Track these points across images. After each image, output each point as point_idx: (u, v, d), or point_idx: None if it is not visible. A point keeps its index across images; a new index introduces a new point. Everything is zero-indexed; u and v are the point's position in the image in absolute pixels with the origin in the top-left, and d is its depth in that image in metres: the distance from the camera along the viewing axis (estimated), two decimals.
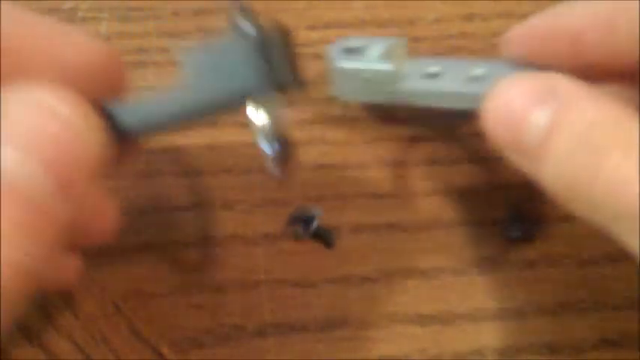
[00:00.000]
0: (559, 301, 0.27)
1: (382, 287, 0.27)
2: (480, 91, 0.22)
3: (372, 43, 0.28)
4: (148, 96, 0.22)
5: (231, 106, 0.22)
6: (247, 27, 0.21)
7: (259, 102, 0.21)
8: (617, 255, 0.27)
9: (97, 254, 0.25)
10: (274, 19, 0.22)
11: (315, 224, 0.28)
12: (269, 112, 0.21)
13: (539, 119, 0.20)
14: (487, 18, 0.32)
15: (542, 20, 0.25)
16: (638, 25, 0.22)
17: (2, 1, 0.20)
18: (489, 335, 0.26)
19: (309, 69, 0.31)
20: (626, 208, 0.18)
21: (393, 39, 0.28)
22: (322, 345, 0.26)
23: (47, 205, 0.17)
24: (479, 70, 0.26)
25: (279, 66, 0.21)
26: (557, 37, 0.24)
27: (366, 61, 0.27)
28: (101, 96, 0.21)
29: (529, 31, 0.25)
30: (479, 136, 0.23)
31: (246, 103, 0.21)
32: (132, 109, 0.22)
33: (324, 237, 0.28)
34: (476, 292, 0.27)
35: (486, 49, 0.31)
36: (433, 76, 0.26)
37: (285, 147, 0.22)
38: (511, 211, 0.28)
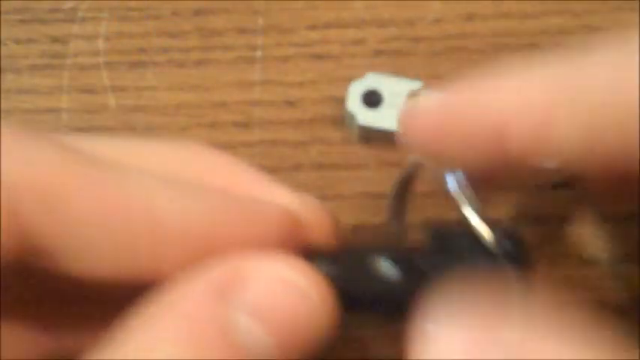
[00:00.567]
0: (559, 301, 0.27)
1: None
2: None
3: (390, 85, 0.29)
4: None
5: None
6: (514, 253, 0.19)
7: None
8: (618, 255, 0.27)
9: None
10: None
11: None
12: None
13: None
14: (487, 18, 0.32)
15: (458, 96, 0.19)
16: (583, 123, 0.17)
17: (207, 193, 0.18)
18: None
19: (309, 69, 0.31)
20: None
21: (409, 82, 0.29)
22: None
23: None
24: None
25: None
26: (476, 123, 0.18)
27: (388, 121, 0.28)
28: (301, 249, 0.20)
29: (439, 111, 0.19)
30: None
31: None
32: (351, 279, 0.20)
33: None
34: None
35: (486, 49, 0.31)
36: None
37: (519, 246, 0.20)
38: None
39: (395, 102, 0.29)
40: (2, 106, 0.31)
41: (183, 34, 0.32)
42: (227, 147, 0.30)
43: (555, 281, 0.27)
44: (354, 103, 0.29)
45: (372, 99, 0.29)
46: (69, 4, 0.33)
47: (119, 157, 0.18)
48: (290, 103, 0.31)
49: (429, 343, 0.16)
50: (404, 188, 0.23)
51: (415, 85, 0.29)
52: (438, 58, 0.31)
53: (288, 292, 0.17)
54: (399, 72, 0.30)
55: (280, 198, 0.20)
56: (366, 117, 0.29)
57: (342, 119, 0.30)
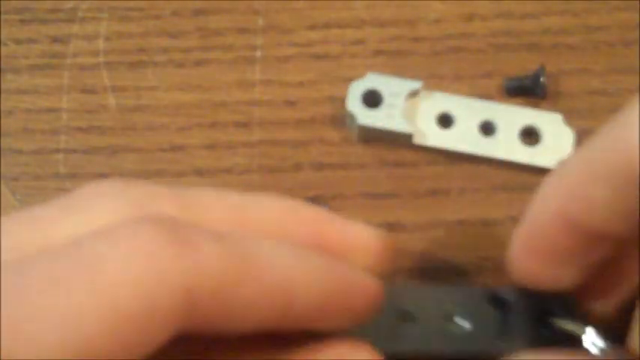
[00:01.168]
0: None
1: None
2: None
3: (390, 85, 0.29)
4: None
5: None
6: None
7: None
8: None
9: None
10: None
11: None
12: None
13: None
14: (487, 18, 0.32)
15: (546, 215, 0.19)
16: None
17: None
18: None
19: (309, 69, 0.31)
20: None
21: (409, 82, 0.29)
22: None
23: None
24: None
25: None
26: (570, 235, 0.19)
27: (388, 120, 0.29)
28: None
29: (533, 235, 0.20)
30: None
31: None
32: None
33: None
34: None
35: (486, 49, 0.31)
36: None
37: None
38: None
39: (395, 102, 0.29)
40: (2, 106, 0.31)
41: (183, 34, 0.32)
42: (227, 147, 0.30)
43: None
44: (354, 103, 0.29)
45: (372, 99, 0.29)
46: (69, 4, 0.33)
47: (235, 217, 0.19)
48: (290, 103, 0.31)
49: None
50: None
51: (415, 85, 0.29)
52: (438, 58, 0.31)
53: None
54: (399, 72, 0.30)
55: (360, 236, 0.20)
56: (366, 117, 0.29)
57: (342, 119, 0.30)
